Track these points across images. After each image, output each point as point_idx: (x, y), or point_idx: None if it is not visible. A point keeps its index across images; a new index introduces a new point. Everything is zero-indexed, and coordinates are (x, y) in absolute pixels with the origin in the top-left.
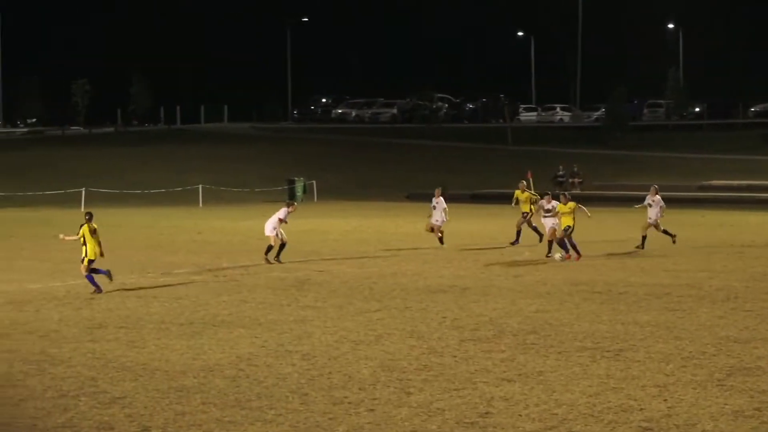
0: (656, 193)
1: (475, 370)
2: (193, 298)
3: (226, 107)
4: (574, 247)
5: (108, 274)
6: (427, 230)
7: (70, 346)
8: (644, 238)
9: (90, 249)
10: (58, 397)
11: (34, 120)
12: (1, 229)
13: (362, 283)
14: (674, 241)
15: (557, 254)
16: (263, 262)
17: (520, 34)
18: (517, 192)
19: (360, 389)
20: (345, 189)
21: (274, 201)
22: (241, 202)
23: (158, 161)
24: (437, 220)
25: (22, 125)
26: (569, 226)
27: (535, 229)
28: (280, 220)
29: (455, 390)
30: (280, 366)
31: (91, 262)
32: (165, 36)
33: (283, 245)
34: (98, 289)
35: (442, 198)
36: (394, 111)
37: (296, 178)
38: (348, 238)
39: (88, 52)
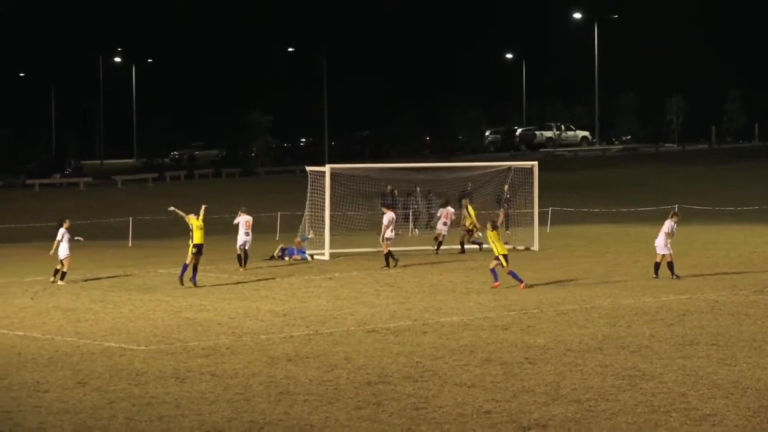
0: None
1: None
2: None
3: None
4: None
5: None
6: None
7: (661, 361)
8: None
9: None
10: (649, 412)
11: (628, 137)
12: (598, 245)
13: None
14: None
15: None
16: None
17: None
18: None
19: None
20: None
21: None
22: None
23: (752, 178)
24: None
25: (617, 142)
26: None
27: None
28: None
29: None
30: None
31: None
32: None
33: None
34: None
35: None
36: None
37: None
38: None
39: (679, 68)
